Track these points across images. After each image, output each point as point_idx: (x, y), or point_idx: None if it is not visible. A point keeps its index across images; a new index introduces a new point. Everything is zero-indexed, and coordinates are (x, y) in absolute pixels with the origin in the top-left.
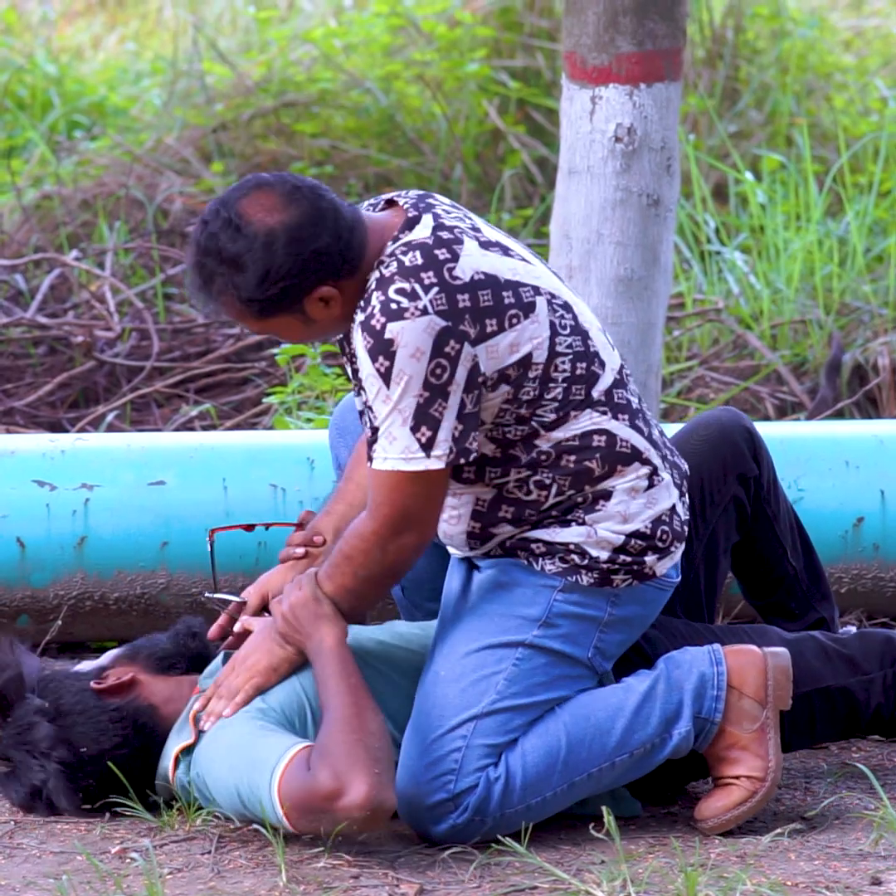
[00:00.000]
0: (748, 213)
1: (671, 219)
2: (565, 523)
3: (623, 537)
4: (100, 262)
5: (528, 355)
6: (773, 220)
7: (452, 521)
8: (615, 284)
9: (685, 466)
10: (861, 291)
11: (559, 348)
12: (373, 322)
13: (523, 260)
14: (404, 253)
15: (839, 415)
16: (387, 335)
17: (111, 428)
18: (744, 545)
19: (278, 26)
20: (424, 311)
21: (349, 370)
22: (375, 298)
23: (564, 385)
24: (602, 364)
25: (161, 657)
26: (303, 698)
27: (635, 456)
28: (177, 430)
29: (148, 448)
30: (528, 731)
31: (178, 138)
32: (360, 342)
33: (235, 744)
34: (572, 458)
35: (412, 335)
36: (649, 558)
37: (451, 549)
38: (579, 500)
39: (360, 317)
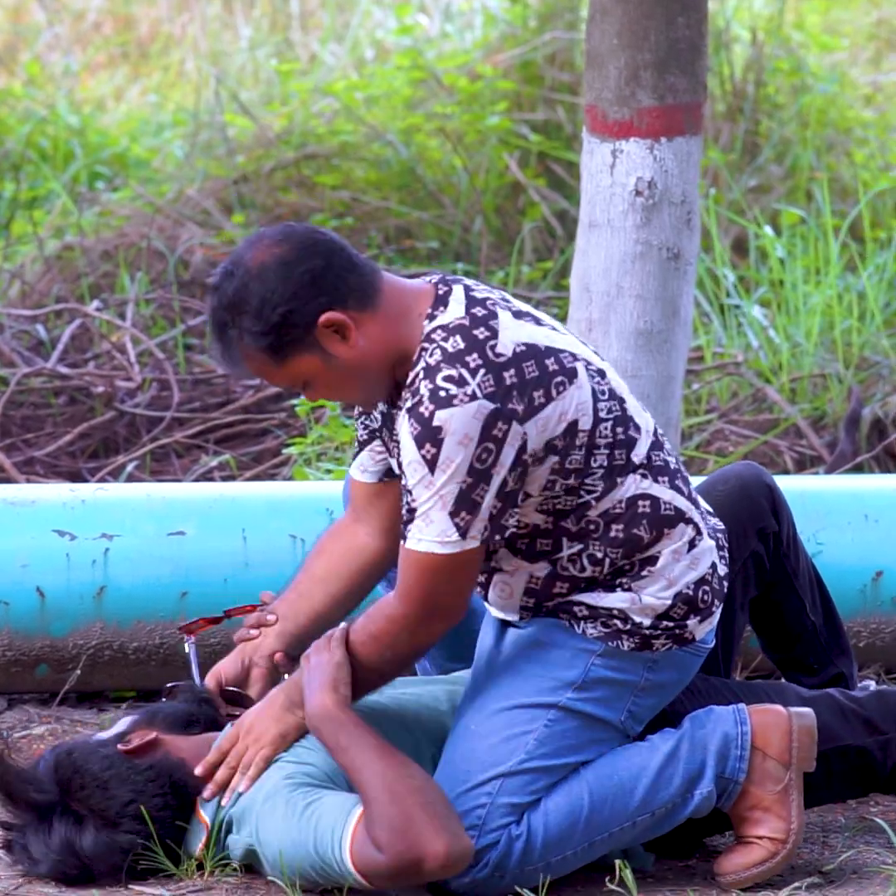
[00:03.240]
0: (768, 267)
1: (691, 272)
2: (611, 588)
3: (668, 602)
4: (121, 313)
5: (575, 422)
6: (792, 274)
7: (504, 595)
8: (635, 337)
9: (719, 523)
10: (880, 346)
11: (601, 414)
12: (421, 409)
13: (554, 329)
14: (445, 339)
15: (858, 469)
16: (435, 423)
17: (131, 478)
18: (763, 599)
19: (300, 79)
20: (473, 396)
21: (365, 433)
22: (424, 387)
23: (607, 451)
24: (637, 428)
25: (178, 718)
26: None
27: (679, 517)
28: (196, 480)
29: (167, 498)
30: (551, 789)
31: (199, 190)
32: (406, 428)
33: (291, 815)
34: (620, 527)
35: (461, 422)
36: (691, 622)
37: (492, 610)
38: (627, 567)
39: (407, 403)
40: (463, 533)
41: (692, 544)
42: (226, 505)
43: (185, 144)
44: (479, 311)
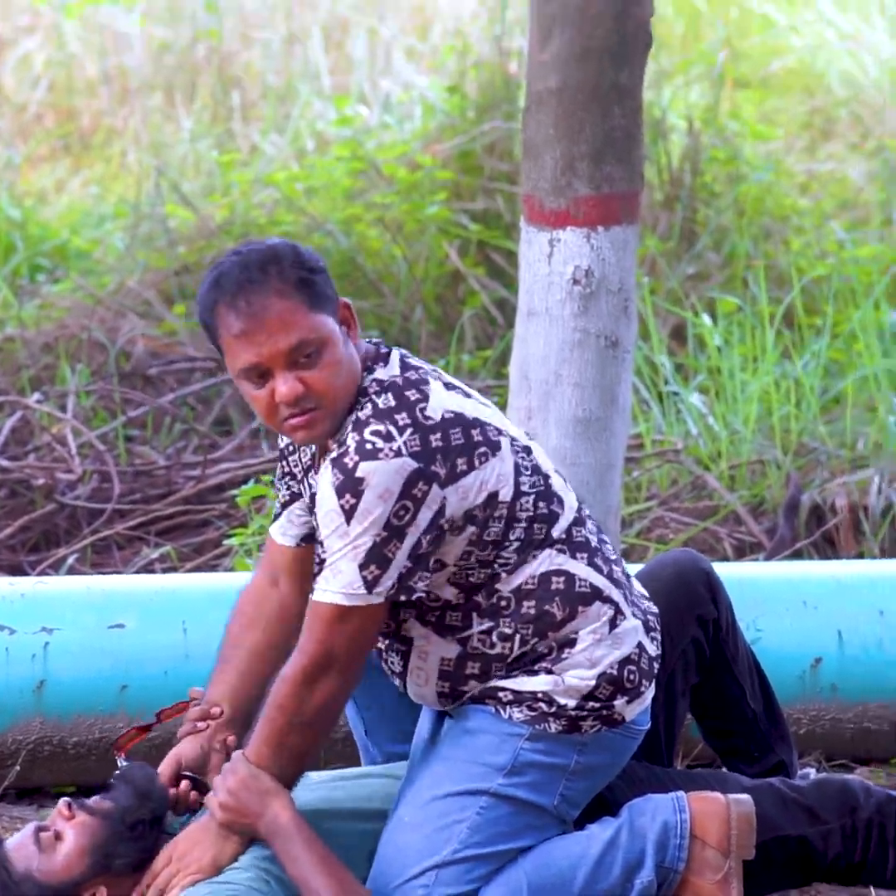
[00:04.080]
0: (706, 354)
1: (629, 360)
2: (532, 672)
3: (592, 683)
4: (61, 405)
5: (495, 494)
6: (729, 361)
7: (420, 681)
8: (574, 425)
9: (653, 606)
10: (818, 432)
11: (523, 488)
12: (346, 459)
13: (482, 403)
14: (378, 394)
15: (797, 555)
16: (358, 473)
17: (72, 571)
18: (703, 687)
19: (241, 169)
20: (399, 453)
21: (287, 494)
22: (351, 438)
23: (526, 525)
24: (561, 503)
25: (132, 862)
26: (269, 879)
27: (595, 595)
28: (137, 572)
29: (108, 591)
30: (489, 879)
31: (140, 281)
32: (327, 478)
33: None
34: (532, 603)
35: (383, 476)
36: (618, 702)
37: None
38: (544, 650)
39: (332, 454)
40: (369, 587)
41: (613, 624)
42: (166, 597)
43: (126, 236)
44: (412, 375)
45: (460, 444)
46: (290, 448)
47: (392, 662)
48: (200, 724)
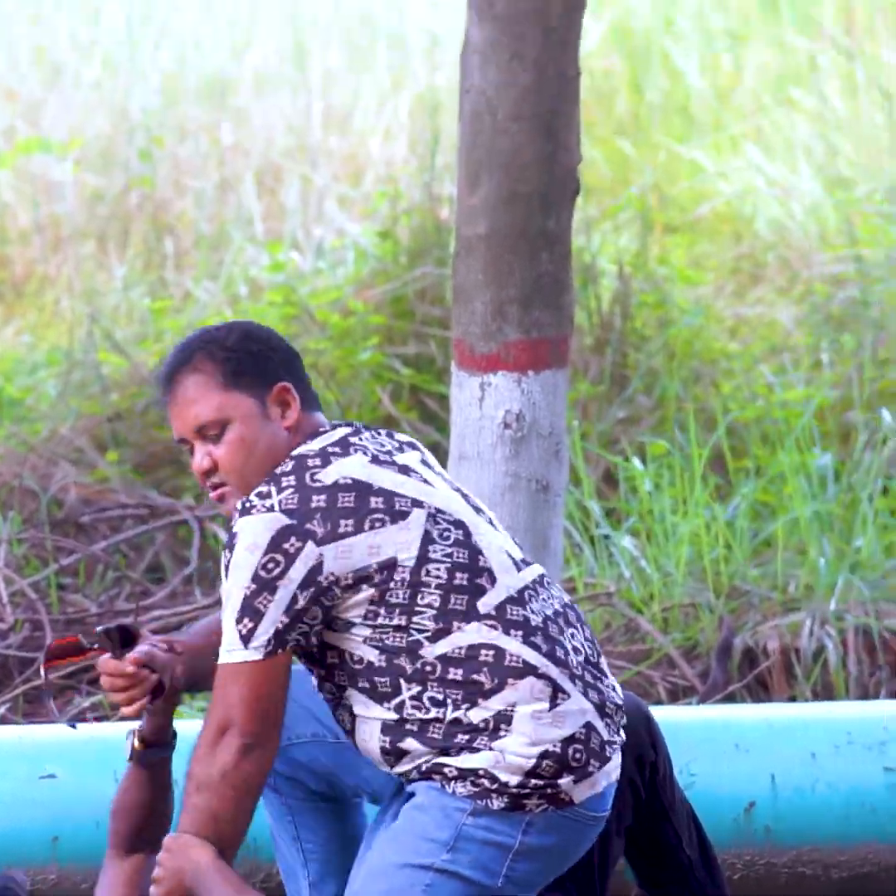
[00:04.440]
0: (637, 497)
1: (560, 504)
2: (474, 750)
3: (533, 760)
4: None
5: (393, 559)
6: (660, 504)
7: (365, 737)
8: None
9: (618, 696)
10: (749, 574)
11: (432, 555)
12: (232, 520)
13: (424, 482)
14: (286, 464)
15: (730, 698)
16: (233, 529)
17: (3, 720)
18: (640, 833)
19: (173, 316)
20: (271, 509)
21: None
22: (242, 502)
23: (440, 593)
24: (493, 580)
25: None
26: None
27: (528, 670)
28: (69, 721)
29: (39, 741)
30: None
31: (72, 428)
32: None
33: None
34: (459, 671)
35: (252, 530)
36: (564, 780)
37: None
38: (481, 724)
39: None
40: (245, 640)
41: (554, 702)
42: (97, 746)
43: (58, 383)
44: (332, 448)
45: (349, 508)
46: None
47: (343, 720)
48: (160, 646)
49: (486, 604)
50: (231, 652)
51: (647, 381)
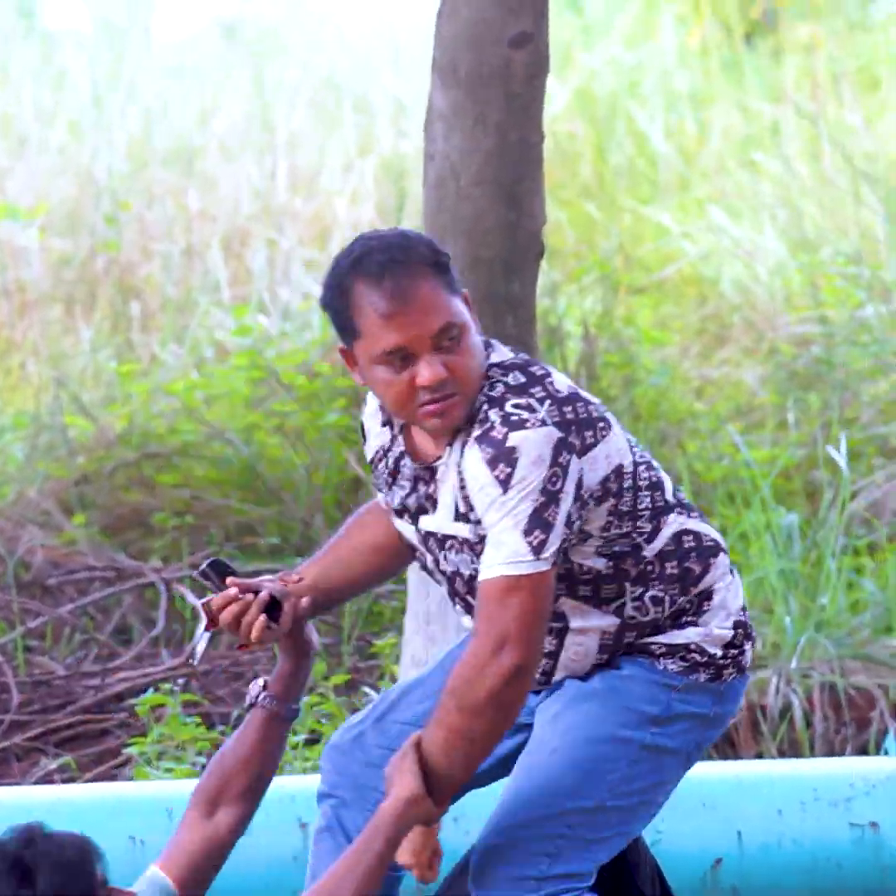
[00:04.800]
0: None
1: None
2: (680, 627)
3: (731, 631)
4: None
5: (620, 465)
6: None
7: (578, 657)
8: None
9: None
10: None
11: (637, 458)
12: (493, 433)
13: None
14: (504, 375)
15: None
16: (509, 443)
17: None
18: (604, 891)
19: (140, 379)
20: (544, 423)
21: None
22: (493, 414)
23: (649, 493)
24: (659, 469)
25: None
26: None
27: (718, 547)
28: (36, 783)
29: (5, 803)
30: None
31: (39, 491)
32: (476, 455)
33: None
34: (674, 563)
35: (535, 444)
36: (747, 647)
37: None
38: (686, 605)
39: (474, 433)
40: (536, 552)
41: (732, 573)
42: (64, 809)
43: (25, 446)
44: (523, 355)
45: (585, 418)
46: (379, 454)
47: (545, 644)
48: (279, 582)
49: (668, 493)
50: (517, 563)
51: None
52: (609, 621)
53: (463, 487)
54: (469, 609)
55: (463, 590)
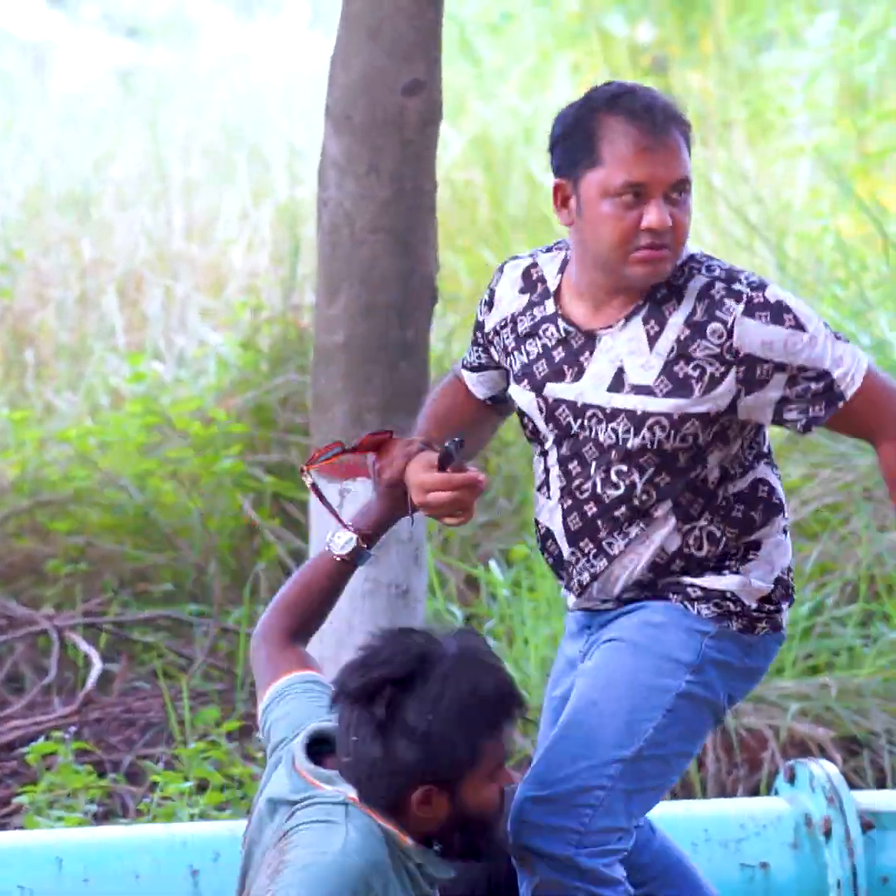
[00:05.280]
0: (498, 601)
1: (420, 609)
2: (720, 572)
3: (771, 586)
4: None
5: None
6: (520, 607)
7: (629, 562)
8: None
9: None
10: None
11: None
12: (755, 300)
13: None
14: (710, 259)
15: None
16: (772, 299)
17: None
18: None
19: (33, 426)
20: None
21: (478, 356)
22: (739, 287)
23: (764, 431)
24: None
25: None
26: None
27: (782, 508)
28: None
29: None
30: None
31: None
32: (755, 325)
33: None
34: (742, 507)
35: (791, 295)
36: (784, 606)
37: (578, 602)
38: (733, 550)
39: (735, 308)
40: (857, 351)
41: (785, 532)
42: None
43: None
44: None
45: None
46: (505, 321)
47: (612, 544)
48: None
49: (767, 441)
50: (863, 359)
51: (508, 485)
52: (672, 542)
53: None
54: (571, 484)
55: (590, 455)
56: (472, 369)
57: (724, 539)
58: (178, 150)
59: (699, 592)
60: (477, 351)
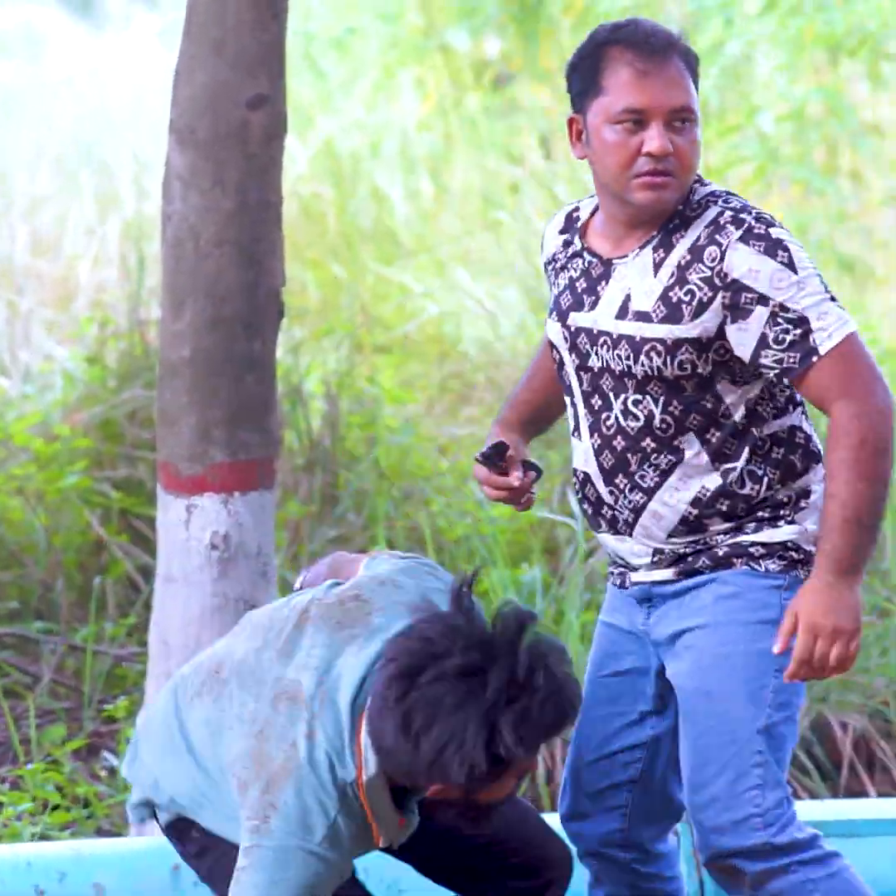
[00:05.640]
0: None
1: None
2: (775, 524)
3: (817, 532)
4: None
5: None
6: None
7: (670, 501)
8: None
9: None
10: None
11: None
12: (756, 230)
13: None
14: (728, 195)
15: None
16: (774, 236)
17: None
18: None
19: None
20: (782, 227)
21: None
22: (745, 216)
23: None
24: None
25: None
26: None
27: (820, 456)
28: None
29: None
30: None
31: None
32: (747, 251)
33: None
34: (781, 450)
35: (791, 240)
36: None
37: (640, 559)
38: (784, 499)
39: (733, 234)
40: (846, 314)
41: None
42: None
43: None
44: None
45: None
46: (549, 261)
47: (645, 476)
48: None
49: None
50: (848, 323)
51: (357, 500)
52: (712, 481)
53: (726, 284)
54: (592, 409)
55: (607, 386)
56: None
57: (766, 479)
58: (25, 164)
59: (762, 550)
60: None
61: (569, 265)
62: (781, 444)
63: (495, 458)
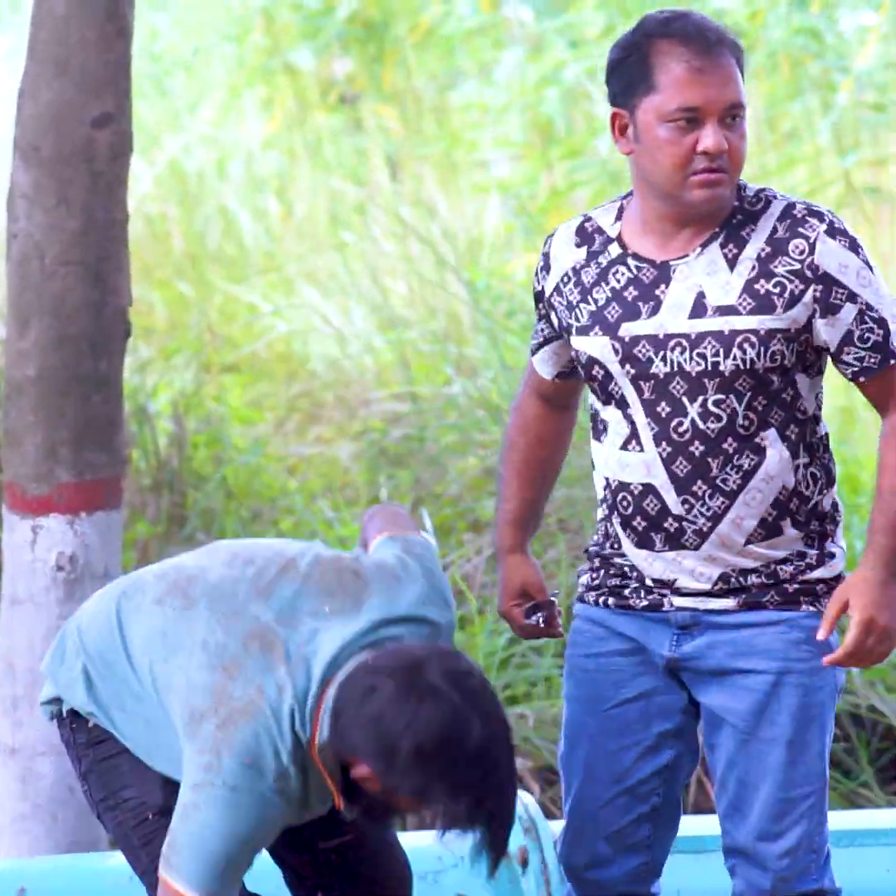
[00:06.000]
0: None
1: None
2: (831, 554)
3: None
4: None
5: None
6: None
7: (753, 503)
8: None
9: None
10: None
11: None
12: (837, 225)
13: None
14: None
15: None
16: (850, 233)
17: None
18: None
19: None
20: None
21: (542, 330)
22: (820, 210)
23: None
24: None
25: None
26: None
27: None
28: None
29: None
30: None
31: None
32: (835, 245)
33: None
34: (826, 455)
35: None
36: None
37: (697, 583)
38: (826, 509)
39: (818, 227)
40: None
41: None
42: None
43: None
44: None
45: None
46: (565, 279)
47: (727, 480)
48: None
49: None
50: None
51: (205, 520)
52: (789, 476)
53: (817, 278)
54: (654, 416)
55: (679, 390)
56: (538, 348)
57: (819, 482)
58: None
59: (823, 588)
60: (540, 325)
61: (607, 277)
62: (826, 448)
63: (532, 615)
